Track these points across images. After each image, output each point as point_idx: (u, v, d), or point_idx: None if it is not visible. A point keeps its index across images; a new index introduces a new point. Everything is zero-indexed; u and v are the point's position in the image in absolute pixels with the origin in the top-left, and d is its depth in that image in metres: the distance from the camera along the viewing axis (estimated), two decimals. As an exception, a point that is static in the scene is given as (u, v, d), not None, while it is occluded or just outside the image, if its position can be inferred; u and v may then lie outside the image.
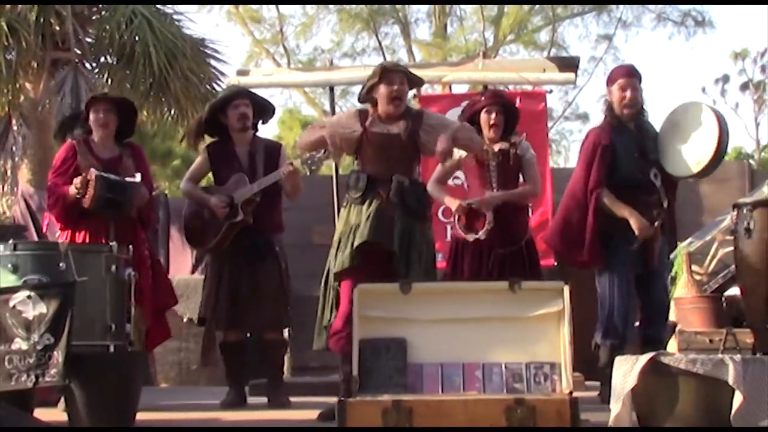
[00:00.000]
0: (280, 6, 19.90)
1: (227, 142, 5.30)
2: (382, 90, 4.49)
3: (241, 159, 5.21)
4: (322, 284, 4.55)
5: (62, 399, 4.58)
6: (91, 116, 5.02)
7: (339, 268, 4.38)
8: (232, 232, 5.10)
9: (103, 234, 4.79)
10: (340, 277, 4.38)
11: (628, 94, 4.87)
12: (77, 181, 4.78)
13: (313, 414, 4.40)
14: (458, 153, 4.98)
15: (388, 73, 4.52)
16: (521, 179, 5.19)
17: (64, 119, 5.38)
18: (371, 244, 4.32)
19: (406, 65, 5.42)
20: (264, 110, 5.42)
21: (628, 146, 4.87)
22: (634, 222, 4.76)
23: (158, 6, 10.23)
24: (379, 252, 4.35)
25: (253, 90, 5.72)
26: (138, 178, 4.87)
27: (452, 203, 5.10)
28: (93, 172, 4.75)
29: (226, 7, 19.70)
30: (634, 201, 4.83)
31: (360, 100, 4.76)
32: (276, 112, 5.62)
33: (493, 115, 5.05)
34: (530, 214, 7.02)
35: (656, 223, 4.80)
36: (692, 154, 4.77)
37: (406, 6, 19.52)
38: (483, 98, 5.17)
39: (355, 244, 4.33)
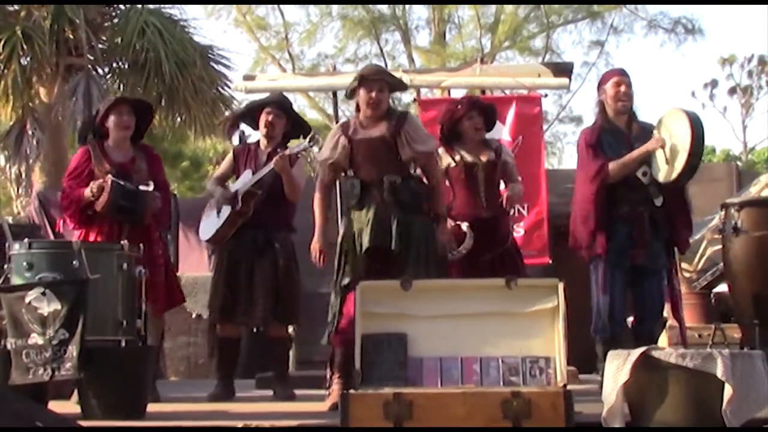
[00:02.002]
0: (285, 13, 19.96)
1: (253, 145, 5.33)
2: (362, 94, 4.54)
3: (260, 160, 5.21)
4: (332, 284, 4.55)
5: (75, 391, 4.60)
6: (113, 118, 4.99)
7: (348, 280, 4.38)
8: (235, 223, 5.09)
9: (116, 235, 4.79)
10: (351, 284, 4.36)
11: (622, 89, 4.90)
12: (93, 185, 4.81)
13: (317, 406, 4.40)
14: (445, 161, 4.99)
15: (365, 80, 4.57)
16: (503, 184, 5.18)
17: (83, 126, 5.39)
18: (374, 248, 4.35)
19: (407, 71, 5.41)
20: (299, 125, 5.44)
21: (617, 144, 4.87)
22: (644, 148, 4.77)
23: (168, 14, 10.25)
24: (382, 252, 4.36)
25: (260, 94, 5.72)
26: (151, 186, 4.89)
27: None
28: (109, 179, 4.77)
29: (234, 14, 19.74)
30: (619, 197, 4.82)
31: (346, 96, 4.82)
32: (311, 130, 5.61)
33: (476, 120, 5.04)
34: (525, 214, 7.08)
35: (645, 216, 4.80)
36: (670, 161, 4.76)
37: (407, 13, 19.54)
38: (460, 106, 5.12)
39: (360, 252, 4.37)
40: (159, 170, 5.16)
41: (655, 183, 4.84)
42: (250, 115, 5.38)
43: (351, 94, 4.65)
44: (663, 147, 4.75)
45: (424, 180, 4.64)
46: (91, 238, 4.84)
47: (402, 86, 4.87)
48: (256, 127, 5.38)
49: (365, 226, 4.40)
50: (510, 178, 5.12)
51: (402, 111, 4.84)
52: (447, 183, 5.05)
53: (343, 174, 4.66)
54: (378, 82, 4.56)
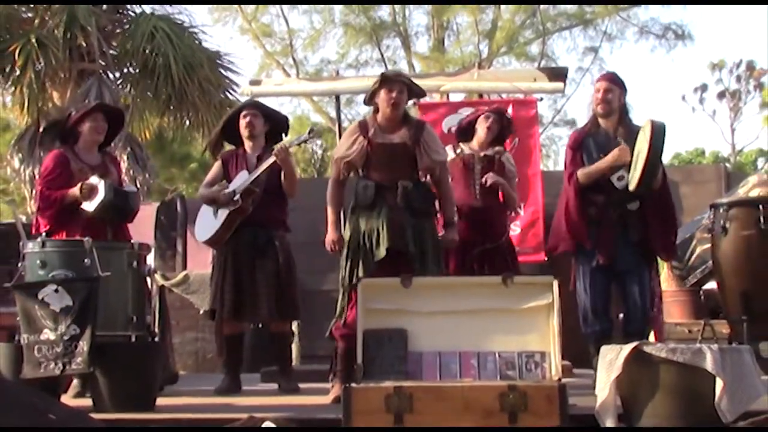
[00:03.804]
0: (289, 21, 20.01)
1: (240, 150, 5.30)
2: (383, 95, 4.50)
3: (250, 162, 5.19)
4: (340, 284, 4.50)
5: (73, 384, 4.60)
6: (89, 123, 4.92)
7: (364, 275, 4.28)
8: (234, 221, 5.06)
9: (102, 235, 4.67)
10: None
11: (599, 94, 4.87)
12: (84, 185, 4.70)
13: (320, 399, 4.40)
14: (449, 157, 5.02)
15: (388, 80, 4.54)
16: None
17: (48, 126, 5.29)
18: (391, 250, 4.31)
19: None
20: (276, 120, 5.40)
21: (603, 147, 4.84)
22: (609, 158, 4.71)
23: (178, 20, 10.26)
24: (396, 254, 4.33)
25: (265, 98, 5.71)
26: (136, 189, 4.88)
27: None
28: (99, 180, 4.70)
29: (240, 21, 19.78)
30: (589, 200, 4.78)
31: (365, 103, 4.75)
32: (288, 122, 5.60)
33: (490, 121, 5.28)
34: (522, 213, 7.06)
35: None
36: (632, 170, 4.72)
37: (407, 20, 19.58)
38: (486, 108, 5.50)
39: (381, 253, 4.31)
40: (121, 176, 5.19)
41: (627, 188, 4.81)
42: (230, 126, 5.32)
43: (371, 97, 4.58)
44: (624, 162, 4.67)
45: (433, 186, 4.62)
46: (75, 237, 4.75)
47: (421, 92, 4.81)
48: (234, 142, 5.34)
49: (380, 228, 4.35)
50: (511, 186, 5.24)
51: (418, 120, 4.82)
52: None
53: (355, 174, 4.60)
54: (399, 83, 4.53)
